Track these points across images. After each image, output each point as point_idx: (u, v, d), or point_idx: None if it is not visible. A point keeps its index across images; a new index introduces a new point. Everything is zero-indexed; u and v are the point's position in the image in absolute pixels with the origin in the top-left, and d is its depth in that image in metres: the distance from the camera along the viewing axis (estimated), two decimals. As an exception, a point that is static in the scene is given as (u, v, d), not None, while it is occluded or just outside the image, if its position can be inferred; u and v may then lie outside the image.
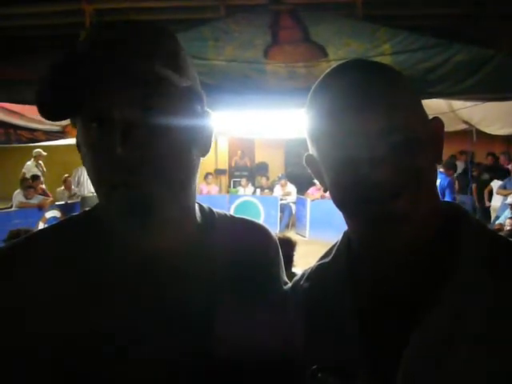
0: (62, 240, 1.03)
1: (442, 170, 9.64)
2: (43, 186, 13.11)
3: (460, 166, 13.65)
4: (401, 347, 0.90)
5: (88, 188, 11.43)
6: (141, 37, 0.95)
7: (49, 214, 10.85)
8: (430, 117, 1.03)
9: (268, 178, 16.18)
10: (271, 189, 15.16)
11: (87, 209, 1.11)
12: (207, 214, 1.17)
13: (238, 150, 17.77)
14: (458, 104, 6.84)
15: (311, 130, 1.02)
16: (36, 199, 11.05)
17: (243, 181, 15.47)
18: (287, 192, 14.35)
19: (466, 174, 13.23)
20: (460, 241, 0.96)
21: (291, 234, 10.35)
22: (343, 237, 1.14)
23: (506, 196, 10.56)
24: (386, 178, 0.90)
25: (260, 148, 18.37)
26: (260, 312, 1.07)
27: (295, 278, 1.23)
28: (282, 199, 14.06)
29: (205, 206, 1.18)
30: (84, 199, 11.60)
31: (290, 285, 1.22)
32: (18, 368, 0.92)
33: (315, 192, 12.36)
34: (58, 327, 0.93)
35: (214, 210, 1.20)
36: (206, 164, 14.71)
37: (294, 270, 4.44)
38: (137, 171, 0.90)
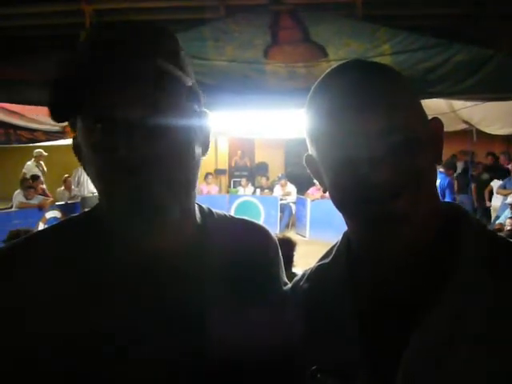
0: (62, 240, 1.03)
1: (441, 169, 9.64)
2: (43, 187, 13.11)
3: (459, 165, 13.66)
4: (401, 348, 0.90)
5: (88, 188, 11.43)
6: (141, 37, 0.96)
7: (49, 215, 10.85)
8: (430, 117, 1.03)
9: (268, 178, 16.19)
10: (271, 189, 15.16)
11: (87, 209, 1.11)
12: (207, 214, 1.17)
13: (238, 150, 17.77)
14: (458, 104, 6.84)
15: (311, 129, 1.02)
16: (36, 199, 11.05)
17: (243, 181, 15.47)
18: (287, 192, 14.35)
19: (465, 173, 13.23)
20: (460, 241, 0.96)
21: (291, 234, 10.35)
22: (343, 237, 1.14)
23: (505, 196, 10.55)
24: (386, 179, 0.90)
25: (260, 148, 18.38)
26: (259, 312, 1.07)
27: (295, 279, 1.23)
28: (281, 199, 14.05)
29: (204, 206, 1.18)
30: (84, 199, 11.60)
31: (289, 285, 1.22)
32: (18, 368, 0.92)
33: (315, 192, 12.36)
34: (57, 327, 0.93)
35: (214, 210, 1.20)
36: (205, 164, 14.69)
37: (294, 270, 4.44)
38: (140, 171, 0.90)
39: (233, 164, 17.90)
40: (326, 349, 1.03)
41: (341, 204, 1.00)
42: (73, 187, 12.42)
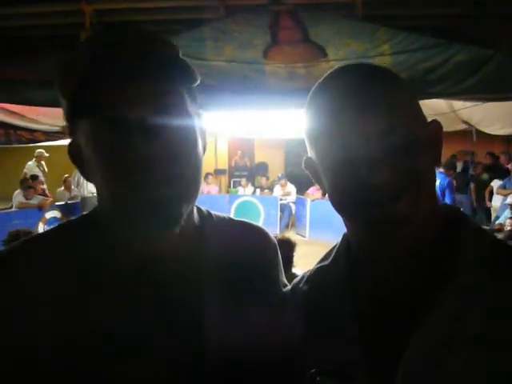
0: (61, 243, 1.04)
1: (441, 170, 9.64)
2: (43, 187, 13.12)
3: (459, 165, 13.67)
4: (401, 350, 0.90)
5: (88, 189, 11.43)
6: (141, 37, 0.97)
7: (49, 215, 10.85)
8: (430, 117, 1.03)
9: (268, 178, 16.19)
10: (271, 189, 15.16)
11: (85, 213, 1.12)
12: (205, 216, 1.17)
13: (238, 150, 17.77)
14: (458, 104, 6.83)
15: (310, 130, 1.02)
16: (36, 200, 11.04)
17: (243, 181, 15.47)
18: (287, 192, 14.35)
19: (464, 173, 13.24)
20: (460, 244, 0.96)
21: (291, 234, 10.36)
22: (342, 239, 1.14)
23: (505, 196, 10.55)
24: (386, 180, 0.89)
25: (260, 148, 18.38)
26: (258, 314, 1.07)
27: (294, 281, 1.23)
28: (281, 199, 14.05)
29: (203, 208, 1.19)
30: (84, 199, 11.60)
31: (289, 287, 1.22)
32: (18, 368, 0.92)
33: (315, 192, 12.35)
34: (57, 328, 0.94)
35: (213, 212, 1.20)
36: (205, 164, 14.43)
37: (294, 270, 4.44)
38: (140, 171, 0.91)
39: (233, 164, 17.90)
40: (325, 350, 1.03)
41: (340, 206, 1.00)
42: (73, 187, 12.41)
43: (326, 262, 1.16)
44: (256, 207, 13.63)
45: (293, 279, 1.24)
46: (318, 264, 1.20)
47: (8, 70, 4.90)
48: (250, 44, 5.67)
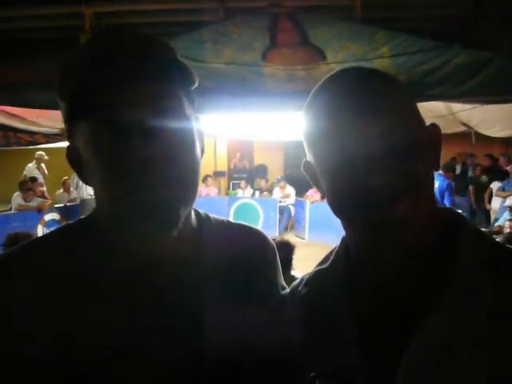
0: (59, 247, 1.04)
1: (440, 172, 9.64)
2: (42, 189, 13.11)
3: (457, 167, 13.67)
4: (400, 353, 0.90)
5: (87, 191, 11.42)
6: (139, 40, 0.98)
7: (48, 217, 10.84)
8: (430, 119, 1.03)
9: (267, 180, 16.17)
10: (270, 191, 15.15)
11: (82, 216, 1.12)
12: (203, 219, 1.17)
13: (237, 153, 17.77)
14: (457, 106, 6.84)
15: (309, 133, 1.02)
16: (35, 202, 11.03)
17: (242, 183, 15.45)
18: (286, 194, 14.34)
19: (463, 175, 13.24)
20: (459, 247, 0.96)
21: (290, 237, 10.35)
22: (341, 242, 1.14)
23: (504, 198, 10.55)
24: (385, 182, 0.90)
25: (259, 150, 18.37)
26: (257, 316, 1.07)
27: (293, 284, 1.23)
28: (281, 201, 14.04)
29: (201, 211, 1.19)
30: (83, 202, 11.59)
31: (287, 290, 1.22)
32: (18, 368, 0.92)
33: (314, 194, 12.34)
34: (56, 331, 0.94)
35: (211, 215, 1.20)
36: (205, 166, 14.60)
37: (293, 272, 4.44)
38: (138, 173, 0.91)
39: (232, 166, 17.89)
40: (324, 353, 1.04)
41: (339, 209, 1.00)
42: (72, 189, 12.41)
43: (324, 265, 1.16)
44: (255, 209, 13.61)
45: (292, 281, 1.24)
46: (316, 267, 1.20)
47: (9, 71, 4.89)
48: (248, 46, 5.67)
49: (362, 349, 0.97)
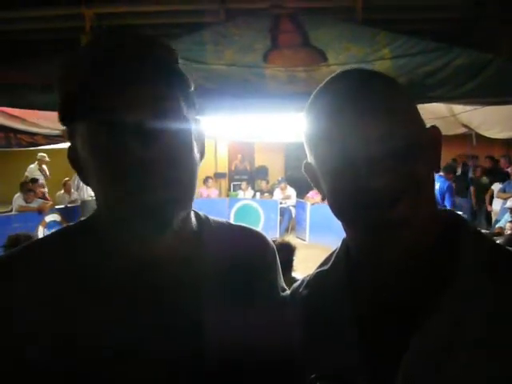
0: (60, 249, 1.04)
1: (441, 173, 9.64)
2: (43, 190, 13.11)
3: (458, 168, 13.66)
4: (400, 353, 0.90)
5: (88, 192, 11.43)
6: (140, 41, 0.97)
7: (49, 218, 10.84)
8: (430, 121, 1.04)
9: (268, 182, 16.17)
10: (271, 192, 15.15)
11: (83, 218, 1.12)
12: (203, 221, 1.17)
13: (238, 154, 17.76)
14: (458, 108, 6.84)
15: (310, 135, 1.03)
16: (36, 203, 11.03)
17: (243, 184, 15.45)
18: (287, 195, 14.33)
19: (464, 176, 13.22)
20: (459, 248, 0.96)
21: (291, 238, 10.34)
22: (342, 244, 1.14)
23: (505, 199, 10.54)
24: (386, 184, 0.90)
25: (260, 152, 18.36)
26: (257, 317, 1.07)
27: (294, 285, 1.23)
28: (281, 203, 14.03)
29: (201, 213, 1.19)
30: (84, 203, 11.60)
31: (288, 292, 1.22)
32: (18, 369, 0.93)
33: (315, 196, 12.33)
34: (56, 332, 0.94)
35: (210, 217, 1.20)
36: (205, 168, 14.70)
37: (293, 274, 4.44)
38: (138, 174, 0.91)
39: (233, 168, 17.88)
40: (325, 354, 1.04)
41: (339, 211, 1.01)
42: (72, 191, 12.41)
43: (325, 267, 1.16)
44: (256, 211, 13.61)
45: (293, 283, 1.24)
46: (317, 269, 1.20)
47: (10, 73, 4.90)
48: (250, 48, 5.67)
49: (362, 350, 0.98)
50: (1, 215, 10.96)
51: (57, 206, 11.68)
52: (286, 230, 13.89)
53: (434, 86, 4.99)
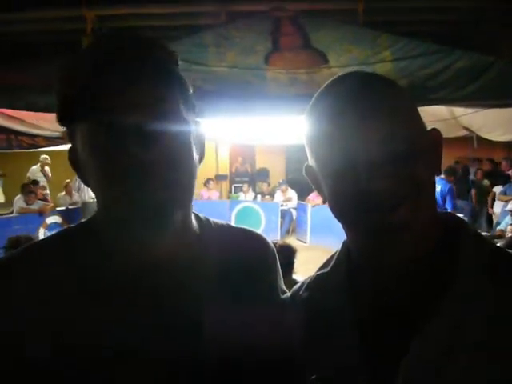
0: (60, 251, 1.04)
1: (442, 176, 9.63)
2: (44, 192, 13.13)
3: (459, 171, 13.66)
4: (400, 355, 0.90)
5: (88, 194, 11.43)
6: (140, 44, 0.98)
7: (49, 220, 10.84)
8: (431, 123, 1.03)
9: (269, 184, 16.20)
10: (272, 194, 15.17)
11: (83, 220, 1.12)
12: (204, 223, 1.17)
13: (239, 156, 17.79)
14: (459, 111, 6.84)
15: (311, 137, 1.03)
16: (37, 205, 11.04)
17: (244, 186, 15.47)
18: (288, 198, 14.35)
19: (465, 179, 13.23)
20: (460, 252, 0.96)
21: (292, 240, 10.36)
22: (342, 246, 1.14)
23: (506, 202, 10.54)
24: (386, 187, 0.90)
25: (261, 154, 18.38)
26: (257, 319, 1.07)
27: (294, 288, 1.23)
28: (282, 205, 14.05)
29: (201, 215, 1.19)
30: (85, 205, 11.59)
31: (288, 294, 1.22)
32: (18, 368, 0.93)
33: (316, 198, 12.34)
34: (56, 333, 0.95)
35: (211, 219, 1.20)
36: (206, 170, 14.73)
37: (294, 276, 4.43)
38: (137, 175, 0.91)
39: (234, 170, 17.91)
40: (325, 355, 1.04)
41: (340, 213, 1.01)
42: (73, 192, 12.42)
43: (325, 270, 1.16)
44: (257, 213, 13.62)
45: (293, 285, 1.24)
46: (317, 271, 1.20)
47: (9, 75, 4.90)
48: (251, 50, 5.68)
49: (363, 352, 0.97)
50: (1, 217, 10.97)
51: (58, 208, 11.68)
52: (287, 232, 13.90)
53: (435, 89, 4.99)
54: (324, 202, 1.06)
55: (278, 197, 14.53)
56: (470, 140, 10.22)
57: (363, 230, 0.98)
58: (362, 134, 0.91)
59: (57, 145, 8.73)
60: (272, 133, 11.45)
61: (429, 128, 1.03)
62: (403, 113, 0.96)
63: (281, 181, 15.35)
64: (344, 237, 1.12)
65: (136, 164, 0.90)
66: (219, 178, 16.60)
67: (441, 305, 0.90)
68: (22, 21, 8.84)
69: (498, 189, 11.75)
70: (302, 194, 13.92)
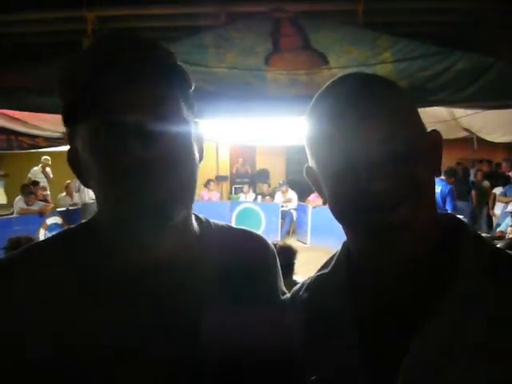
0: (60, 252, 1.05)
1: (442, 177, 9.63)
2: (45, 193, 13.13)
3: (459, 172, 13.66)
4: (401, 355, 0.90)
5: (89, 195, 11.43)
6: (140, 45, 0.99)
7: (50, 221, 10.83)
8: (432, 125, 1.04)
9: (269, 185, 16.20)
10: (272, 195, 15.16)
11: (83, 221, 1.12)
12: (204, 224, 1.18)
13: (240, 157, 17.80)
14: (459, 112, 6.84)
15: (311, 138, 1.03)
16: (37, 206, 11.03)
17: (245, 187, 15.47)
18: (288, 199, 14.34)
19: (465, 180, 13.22)
20: (459, 253, 0.96)
21: (292, 241, 10.35)
22: (342, 247, 1.14)
23: (506, 203, 10.53)
24: (386, 187, 0.90)
25: (261, 155, 18.39)
26: (257, 320, 1.07)
27: (294, 289, 1.23)
28: (283, 206, 14.04)
29: (201, 216, 1.19)
30: (85, 206, 11.59)
31: (288, 295, 1.22)
32: (18, 368, 0.93)
33: (316, 199, 12.33)
34: (56, 333, 0.95)
35: (211, 220, 1.21)
36: (207, 171, 14.73)
37: (294, 277, 4.44)
38: (138, 174, 0.91)
39: (234, 171, 17.92)
40: (325, 356, 1.04)
41: (340, 214, 1.01)
42: (74, 193, 12.42)
43: (326, 270, 1.16)
44: (257, 214, 13.61)
45: (294, 286, 1.24)
46: (317, 272, 1.20)
47: (8, 76, 4.90)
48: (251, 51, 5.68)
49: (363, 352, 0.98)
50: (2, 218, 10.97)
51: (58, 209, 11.68)
52: (287, 233, 13.89)
53: (435, 90, 4.99)
54: (324, 203, 1.06)
55: (279, 198, 14.53)
56: (471, 141, 10.24)
57: (363, 230, 0.98)
58: (362, 135, 0.92)
59: (57, 145, 8.74)
60: (272, 134, 11.44)
61: (429, 129, 1.03)
62: (403, 114, 0.96)
63: (281, 182, 15.35)
64: (344, 238, 1.12)
65: (136, 164, 0.90)
66: (220, 178, 16.60)
67: (441, 305, 0.90)
68: (22, 22, 8.85)
69: (498, 190, 11.74)
70: (303, 195, 13.92)
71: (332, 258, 1.17)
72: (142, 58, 0.94)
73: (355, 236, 1.05)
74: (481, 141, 9.84)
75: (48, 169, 14.05)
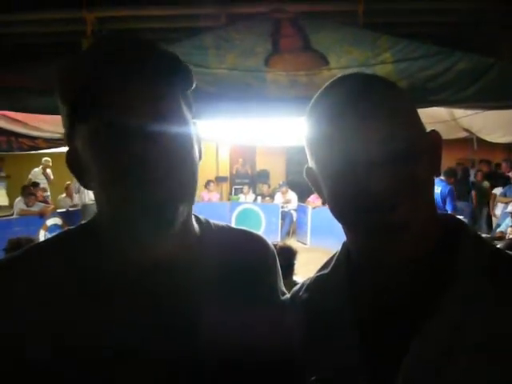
0: (60, 252, 1.04)
1: (442, 177, 9.62)
2: (45, 194, 13.14)
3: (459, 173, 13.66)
4: (401, 355, 0.90)
5: (89, 196, 11.43)
6: (140, 45, 0.99)
7: (50, 222, 10.85)
8: (431, 125, 1.03)
9: (269, 186, 16.21)
10: (272, 196, 15.17)
11: (83, 222, 1.12)
12: (204, 225, 1.18)
13: (239, 158, 17.79)
14: (459, 112, 6.84)
15: (311, 139, 1.03)
16: (37, 207, 11.05)
17: (245, 188, 15.47)
18: (288, 199, 14.35)
19: (465, 180, 13.22)
20: (459, 253, 0.96)
21: (292, 242, 10.36)
22: (342, 247, 1.14)
23: (506, 204, 10.54)
24: (387, 187, 0.90)
25: (261, 155, 18.39)
26: (257, 320, 1.07)
27: (294, 289, 1.23)
28: (282, 207, 14.05)
29: (201, 217, 1.19)
30: (85, 207, 11.58)
31: (288, 295, 1.22)
32: (18, 369, 0.93)
33: (316, 199, 12.34)
34: (56, 333, 0.95)
35: (211, 221, 1.21)
36: (207, 171, 14.72)
37: (294, 278, 4.44)
38: (138, 173, 0.91)
39: (234, 171, 17.91)
40: (325, 356, 1.04)
41: (340, 214, 1.01)
42: (74, 194, 12.43)
43: (325, 271, 1.16)
44: (257, 215, 13.61)
45: (294, 287, 1.24)
46: (317, 272, 1.20)
47: (8, 77, 4.90)
48: (251, 52, 5.68)
49: (363, 352, 0.98)
50: (2, 219, 10.98)
51: (58, 210, 11.69)
52: (287, 234, 13.91)
53: (436, 90, 4.99)
54: (324, 204, 1.06)
55: (279, 198, 14.53)
56: (470, 142, 10.23)
57: (363, 230, 0.98)
58: (361, 135, 0.92)
59: (57, 147, 8.74)
60: (272, 135, 11.45)
61: (429, 129, 1.03)
62: (403, 114, 0.96)
63: (281, 182, 15.35)
64: (344, 238, 1.12)
65: (136, 164, 0.90)
66: (219, 179, 16.60)
67: (441, 305, 0.90)
68: (21, 22, 8.85)
69: (497, 190, 11.74)
70: (303, 196, 13.93)
71: (332, 258, 1.17)
72: (141, 58, 0.94)
73: (355, 236, 1.05)
74: (481, 141, 9.84)
75: (48, 170, 14.08)
